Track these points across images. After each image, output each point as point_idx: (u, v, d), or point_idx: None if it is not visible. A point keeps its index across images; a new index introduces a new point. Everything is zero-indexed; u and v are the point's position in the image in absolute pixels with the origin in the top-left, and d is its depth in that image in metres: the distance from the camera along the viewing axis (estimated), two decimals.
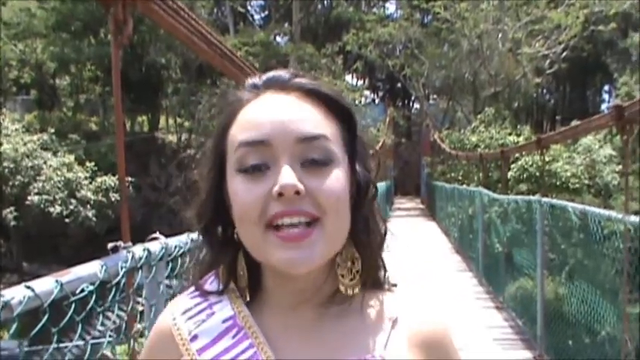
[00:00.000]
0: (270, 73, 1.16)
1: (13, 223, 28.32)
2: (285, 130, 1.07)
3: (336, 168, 1.08)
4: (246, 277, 1.16)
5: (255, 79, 1.17)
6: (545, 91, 50.27)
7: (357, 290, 1.13)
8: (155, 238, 2.59)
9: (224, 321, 1.15)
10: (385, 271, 1.20)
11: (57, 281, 1.74)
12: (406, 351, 1.09)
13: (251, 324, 1.14)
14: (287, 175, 1.03)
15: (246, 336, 1.13)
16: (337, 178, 1.07)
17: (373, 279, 1.16)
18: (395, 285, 1.21)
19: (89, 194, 28.81)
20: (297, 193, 1.04)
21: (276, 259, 1.06)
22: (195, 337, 1.15)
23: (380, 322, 1.13)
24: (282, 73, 1.15)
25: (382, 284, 1.19)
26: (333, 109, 1.13)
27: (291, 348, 1.12)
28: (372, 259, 1.15)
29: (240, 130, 1.11)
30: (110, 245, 2.30)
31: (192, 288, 1.23)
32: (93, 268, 1.99)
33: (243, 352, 1.11)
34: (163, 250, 2.57)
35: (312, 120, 1.09)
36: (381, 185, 25.49)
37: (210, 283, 1.21)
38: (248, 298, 1.17)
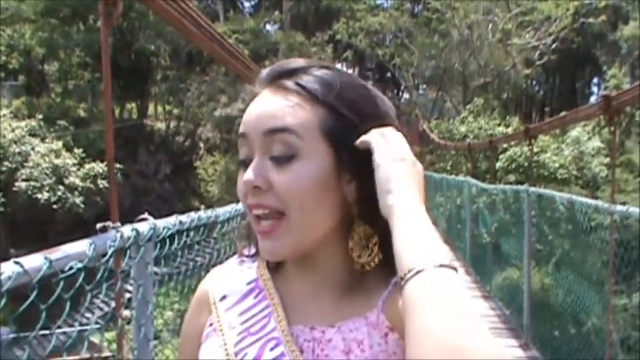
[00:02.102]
0: (271, 68, 1.21)
1: (0, 209, 28.23)
2: (256, 125, 1.14)
3: (304, 162, 1.11)
4: None
5: (262, 74, 1.22)
6: (534, 82, 50.32)
7: (375, 263, 1.16)
8: (144, 219, 2.59)
9: (248, 283, 1.26)
10: None
11: (46, 258, 1.74)
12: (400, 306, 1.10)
13: (270, 287, 1.24)
14: (249, 172, 1.13)
15: (264, 297, 1.22)
16: (301, 174, 1.11)
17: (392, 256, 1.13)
18: None
19: (77, 181, 28.75)
20: (257, 187, 1.12)
21: (259, 247, 1.20)
22: (224, 297, 1.27)
23: (385, 284, 1.16)
24: (277, 69, 1.20)
25: None
26: (316, 99, 1.14)
27: (303, 311, 1.20)
28: (387, 234, 1.12)
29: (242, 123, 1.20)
30: (99, 225, 2.30)
31: (237, 256, 1.35)
32: (82, 247, 1.99)
33: (261, 311, 1.20)
34: (152, 231, 2.57)
35: (281, 114, 1.12)
36: None
37: (250, 249, 1.31)
38: (270, 264, 1.28)
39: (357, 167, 1.14)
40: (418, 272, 0.96)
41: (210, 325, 1.25)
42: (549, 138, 22.40)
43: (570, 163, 21.27)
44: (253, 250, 1.30)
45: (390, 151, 1.11)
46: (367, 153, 1.13)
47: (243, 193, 1.16)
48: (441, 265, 0.96)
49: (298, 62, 1.20)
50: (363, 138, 1.14)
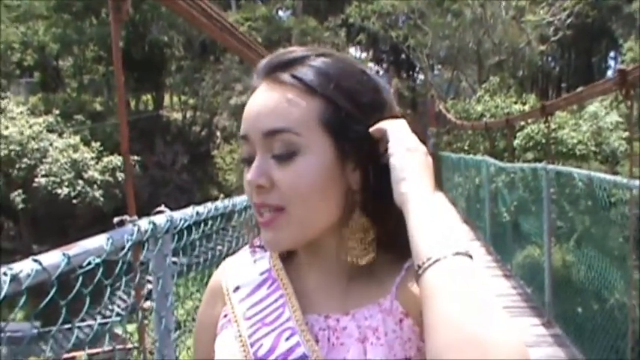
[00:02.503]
0: (268, 60, 1.20)
1: (21, 205, 28.47)
2: (255, 126, 1.14)
3: (305, 157, 1.11)
4: None
5: (259, 66, 1.21)
6: (550, 58, 50.03)
7: (368, 258, 1.16)
8: (161, 212, 2.60)
9: (261, 273, 1.27)
10: None
11: (64, 254, 1.75)
12: (415, 291, 1.09)
13: (283, 277, 1.24)
14: (252, 171, 1.13)
15: (278, 287, 1.23)
16: (303, 169, 1.11)
17: (399, 245, 1.13)
18: None
19: (96, 174, 28.92)
20: (261, 186, 1.13)
21: (261, 236, 1.19)
22: (237, 288, 1.28)
23: (398, 270, 1.16)
24: (274, 61, 1.19)
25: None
26: (314, 92, 1.13)
27: (317, 300, 1.21)
28: (389, 225, 1.15)
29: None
30: (116, 219, 2.31)
31: (248, 246, 1.35)
32: (99, 241, 2.01)
33: (275, 301, 1.21)
34: (169, 223, 2.59)
35: (278, 113, 1.12)
36: None
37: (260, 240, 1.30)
38: (282, 254, 1.28)
39: (361, 156, 1.14)
40: (436, 261, 0.96)
41: (225, 316, 1.26)
42: (567, 114, 22.23)
43: (589, 139, 21.08)
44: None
45: (404, 140, 1.12)
46: (371, 141, 1.14)
47: (248, 192, 1.17)
48: (457, 253, 0.96)
49: (295, 52, 1.19)
50: (377, 126, 1.14)
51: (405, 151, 1.10)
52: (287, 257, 1.28)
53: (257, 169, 1.13)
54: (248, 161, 1.16)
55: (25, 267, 1.61)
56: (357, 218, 1.16)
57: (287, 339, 1.15)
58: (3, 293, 1.50)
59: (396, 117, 1.19)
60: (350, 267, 1.19)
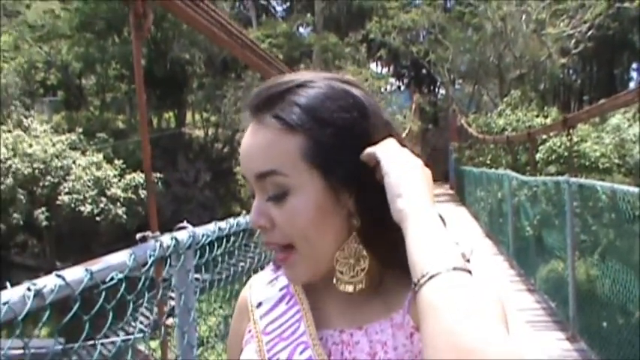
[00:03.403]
0: (253, 96, 1.18)
1: (45, 223, 28.64)
2: (247, 168, 1.16)
3: (295, 196, 1.12)
4: None
5: (249, 102, 1.19)
6: (571, 71, 49.81)
7: (358, 288, 1.15)
8: (183, 227, 2.61)
9: (281, 289, 1.31)
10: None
11: (87, 270, 1.77)
12: None
13: (299, 292, 1.27)
14: (252, 214, 1.17)
15: (295, 302, 1.26)
16: (296, 208, 1.12)
17: (406, 262, 1.10)
18: None
19: (119, 192, 29.02)
20: (263, 227, 1.16)
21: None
22: (260, 304, 1.32)
23: (410, 285, 1.11)
24: (256, 98, 1.17)
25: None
26: (294, 129, 1.12)
27: (332, 314, 1.23)
28: (390, 246, 1.13)
29: None
30: (138, 235, 2.33)
31: (272, 264, 1.37)
32: (122, 257, 2.02)
33: (292, 316, 1.24)
34: (191, 239, 2.60)
35: (263, 156, 1.13)
36: None
37: None
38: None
39: (353, 183, 1.13)
40: (432, 277, 0.95)
41: (249, 332, 1.30)
42: (589, 127, 22.11)
43: (612, 152, 20.94)
44: None
45: (395, 158, 1.10)
46: (362, 166, 1.13)
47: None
48: (455, 269, 0.95)
49: (277, 86, 1.17)
50: (367, 152, 1.12)
51: (399, 168, 1.09)
52: None
53: (256, 210, 1.16)
54: (253, 197, 1.19)
55: (48, 282, 1.63)
56: (350, 243, 1.16)
57: (301, 353, 1.18)
58: (27, 308, 1.51)
59: (391, 135, 1.17)
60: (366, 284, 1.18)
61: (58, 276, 1.66)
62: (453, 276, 0.95)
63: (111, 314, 2.02)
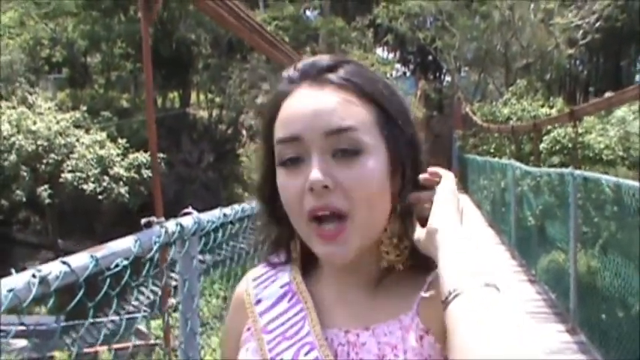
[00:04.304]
0: (305, 64, 1.18)
1: (47, 200, 28.69)
2: (313, 126, 1.10)
3: (368, 157, 1.10)
4: (299, 254, 1.27)
5: (292, 72, 1.19)
6: (578, 62, 49.57)
7: (402, 266, 1.18)
8: (188, 214, 2.61)
9: (282, 286, 1.26)
10: None
11: (92, 256, 1.76)
12: (437, 308, 1.08)
13: (303, 290, 1.23)
14: (315, 171, 1.08)
15: (298, 301, 1.22)
16: (368, 168, 1.10)
17: (425, 256, 1.15)
18: None
19: (122, 171, 29.05)
20: (326, 187, 1.09)
21: (318, 252, 1.16)
22: (259, 301, 1.27)
23: (418, 286, 1.15)
24: (316, 63, 1.17)
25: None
26: (368, 96, 1.14)
27: (337, 314, 1.20)
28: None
29: (279, 127, 1.16)
30: (143, 221, 2.32)
31: (264, 262, 1.35)
32: (127, 243, 2.02)
33: (295, 314, 1.21)
34: (196, 225, 2.59)
35: (341, 112, 1.11)
36: None
37: (281, 256, 1.31)
38: (300, 268, 1.27)
39: (404, 163, 1.16)
40: (460, 294, 0.97)
41: (248, 329, 1.27)
42: (594, 118, 22.07)
43: (616, 144, 20.90)
44: (283, 258, 1.30)
45: (448, 185, 1.16)
46: (411, 146, 1.17)
47: (299, 197, 1.12)
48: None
49: (331, 58, 1.19)
50: (431, 171, 1.17)
51: (448, 194, 1.15)
52: (307, 270, 1.28)
53: (320, 169, 1.09)
54: (294, 162, 1.13)
55: (53, 269, 1.62)
56: (394, 222, 1.17)
57: (306, 354, 1.15)
58: (32, 295, 1.51)
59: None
60: (372, 280, 1.20)
61: (64, 262, 1.65)
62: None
63: (115, 301, 2.02)
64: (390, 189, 1.14)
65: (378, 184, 1.11)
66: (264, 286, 1.29)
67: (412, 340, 1.11)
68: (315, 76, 1.15)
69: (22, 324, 1.66)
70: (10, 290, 1.44)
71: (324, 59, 1.18)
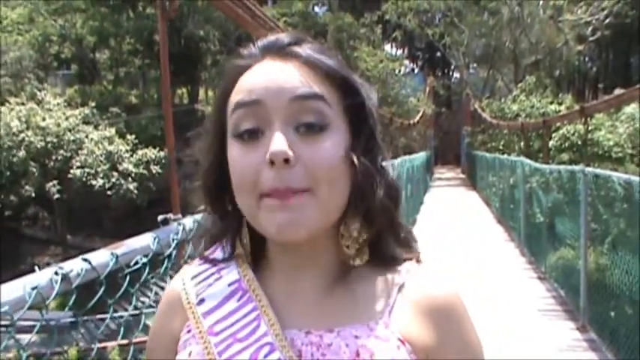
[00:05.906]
0: (268, 39, 1.13)
1: (56, 196, 28.77)
2: (278, 90, 1.04)
3: (332, 134, 1.05)
4: (249, 246, 1.16)
5: (252, 48, 1.14)
6: (587, 58, 49.48)
7: (362, 261, 1.12)
8: (204, 210, 2.61)
9: (230, 284, 1.14)
10: (405, 246, 1.18)
11: (112, 254, 1.78)
12: (412, 317, 1.07)
13: (255, 287, 1.13)
14: (277, 142, 1.00)
15: (250, 299, 1.12)
16: (332, 146, 1.04)
17: (386, 253, 1.13)
18: (419, 261, 1.18)
19: (130, 167, 29.11)
20: (287, 161, 1.00)
21: (266, 227, 1.04)
22: (201, 301, 1.14)
23: (386, 290, 1.11)
24: (279, 39, 1.12)
25: (397, 259, 1.16)
26: (334, 79, 1.08)
27: (294, 313, 1.11)
28: (376, 228, 1.11)
29: (237, 94, 1.08)
30: (160, 217, 2.33)
31: (199, 258, 1.22)
32: (146, 241, 2.03)
33: (246, 315, 1.10)
34: None
35: (307, 81, 1.05)
36: (421, 155, 25.40)
37: (219, 251, 1.20)
38: (250, 264, 1.16)
39: (364, 149, 1.10)
40: None
41: (189, 331, 1.14)
42: (603, 115, 22.03)
43: (625, 141, 20.86)
44: (225, 254, 1.19)
45: None
46: (370, 128, 1.11)
47: (254, 172, 1.03)
48: None
49: (291, 35, 1.13)
50: None
51: None
52: (257, 267, 1.18)
53: (283, 140, 1.01)
54: (250, 133, 1.05)
55: (75, 266, 1.64)
56: (353, 217, 1.11)
57: (266, 355, 1.06)
58: (55, 293, 1.51)
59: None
60: (333, 278, 1.13)
61: (85, 260, 1.66)
62: None
63: (134, 297, 2.03)
64: (349, 174, 1.07)
65: (340, 162, 1.05)
66: (206, 284, 1.16)
67: (389, 350, 1.05)
68: (278, 50, 1.10)
69: (43, 319, 1.67)
70: (33, 288, 1.45)
71: (286, 36, 1.12)
